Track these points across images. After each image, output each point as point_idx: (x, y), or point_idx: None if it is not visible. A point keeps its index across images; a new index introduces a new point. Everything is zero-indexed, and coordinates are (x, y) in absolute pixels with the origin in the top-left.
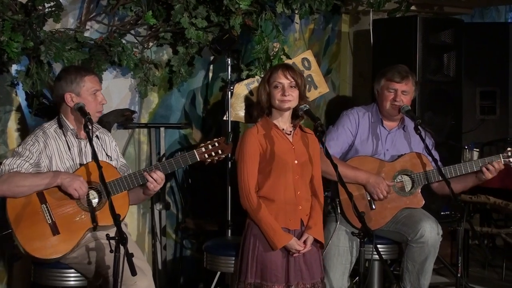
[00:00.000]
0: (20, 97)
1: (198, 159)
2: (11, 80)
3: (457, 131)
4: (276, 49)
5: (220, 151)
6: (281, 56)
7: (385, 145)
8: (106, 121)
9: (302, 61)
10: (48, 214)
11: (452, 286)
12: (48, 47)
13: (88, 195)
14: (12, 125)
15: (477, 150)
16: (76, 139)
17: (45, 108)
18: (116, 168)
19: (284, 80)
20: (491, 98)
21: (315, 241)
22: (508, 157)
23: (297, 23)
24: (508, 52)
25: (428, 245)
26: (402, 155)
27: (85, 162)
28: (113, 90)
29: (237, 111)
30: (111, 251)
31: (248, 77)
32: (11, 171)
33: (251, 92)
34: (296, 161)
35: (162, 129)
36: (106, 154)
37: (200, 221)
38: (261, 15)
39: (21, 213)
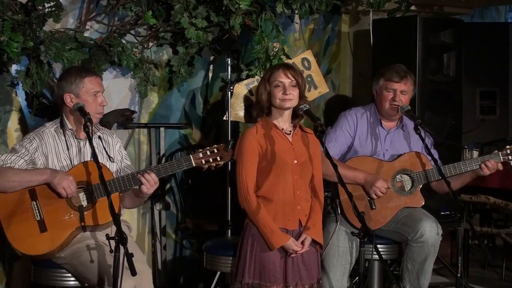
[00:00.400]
0: (20, 97)
1: (194, 165)
2: (11, 80)
3: (457, 131)
4: (276, 49)
5: (218, 158)
6: (281, 56)
7: (384, 145)
8: (106, 121)
9: (302, 61)
10: (37, 211)
11: (452, 286)
12: (48, 47)
13: (78, 194)
14: (12, 125)
15: (477, 150)
16: (75, 139)
17: (45, 108)
18: (112, 170)
19: (285, 79)
20: (491, 98)
21: (314, 242)
22: (507, 154)
23: (297, 23)
24: (508, 52)
25: (428, 245)
26: (401, 154)
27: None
28: (113, 90)
29: (237, 111)
30: (111, 251)
31: (248, 77)
32: (5, 166)
33: (251, 92)
34: (295, 161)
35: (162, 129)
36: (108, 156)
37: (200, 221)
38: (261, 15)
39: (11, 208)
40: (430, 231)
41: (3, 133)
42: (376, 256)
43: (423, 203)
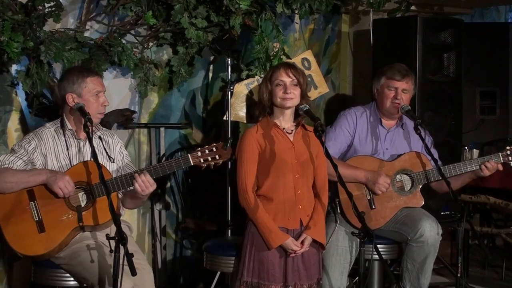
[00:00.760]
0: (20, 97)
1: (192, 164)
2: (11, 80)
3: (457, 131)
4: (276, 49)
5: (217, 156)
6: (281, 56)
7: (384, 144)
8: (106, 121)
9: (302, 61)
10: (35, 211)
11: (452, 286)
12: (48, 47)
13: (76, 194)
14: (12, 125)
15: (477, 149)
16: (74, 140)
17: (45, 108)
18: (111, 170)
19: (286, 78)
20: (491, 98)
21: (315, 242)
22: (508, 155)
23: (297, 23)
24: (508, 52)
25: (428, 244)
26: (401, 154)
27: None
28: (113, 90)
29: (237, 111)
30: (111, 251)
31: (248, 77)
32: (3, 166)
33: (251, 92)
34: (296, 160)
35: (162, 129)
36: (108, 156)
37: (200, 221)
38: (261, 15)
39: (9, 209)
40: (430, 230)
41: (3, 133)
42: (376, 256)
43: (423, 203)
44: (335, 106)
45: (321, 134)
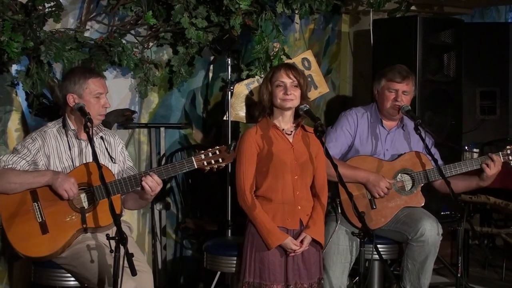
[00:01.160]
0: (20, 97)
1: (196, 167)
2: (11, 80)
3: (457, 131)
4: (276, 49)
5: (220, 160)
6: (281, 56)
7: (384, 145)
8: (106, 121)
9: (302, 61)
10: (39, 212)
11: (452, 286)
12: (48, 47)
13: (79, 196)
14: (12, 125)
15: (477, 151)
16: (76, 140)
17: (45, 108)
18: (114, 171)
19: (286, 79)
20: (491, 98)
21: (315, 241)
22: (508, 154)
23: (297, 23)
24: (508, 52)
25: (429, 244)
26: (401, 154)
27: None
28: (113, 90)
29: (237, 111)
30: (111, 251)
31: (248, 77)
32: (6, 167)
33: (251, 92)
34: (295, 161)
35: (162, 129)
36: (110, 157)
37: (200, 221)
38: (261, 15)
39: (13, 210)
40: (431, 230)
41: (3, 133)
42: (376, 256)
43: (424, 203)
44: (335, 106)
45: (322, 135)
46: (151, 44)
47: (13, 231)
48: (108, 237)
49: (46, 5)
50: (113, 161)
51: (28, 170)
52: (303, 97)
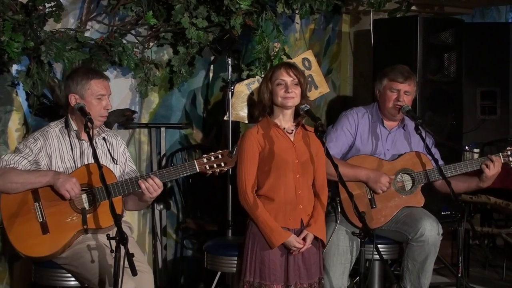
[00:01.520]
0: (20, 97)
1: (198, 170)
2: (11, 80)
3: (458, 131)
4: (277, 49)
5: (222, 164)
6: (282, 56)
7: (385, 145)
8: (107, 121)
9: (302, 61)
10: (40, 212)
11: (453, 286)
12: (49, 47)
13: (81, 196)
14: (13, 125)
15: (477, 151)
16: (78, 141)
17: (46, 108)
18: (114, 173)
19: (287, 77)
20: (491, 98)
21: (316, 240)
22: (508, 156)
23: (297, 23)
24: (508, 52)
25: (429, 244)
26: (402, 154)
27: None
28: (114, 90)
29: (237, 111)
30: (111, 251)
31: (248, 77)
32: (8, 166)
33: (251, 92)
34: (296, 160)
35: (162, 129)
36: (112, 158)
37: (200, 221)
38: (262, 15)
39: (14, 209)
40: (431, 230)
41: (3, 133)
42: (377, 256)
43: (424, 203)
44: (336, 107)
45: (322, 135)
46: (151, 44)
47: (14, 230)
48: (109, 237)
49: (47, 5)
50: (115, 162)
51: (29, 170)
52: (303, 96)
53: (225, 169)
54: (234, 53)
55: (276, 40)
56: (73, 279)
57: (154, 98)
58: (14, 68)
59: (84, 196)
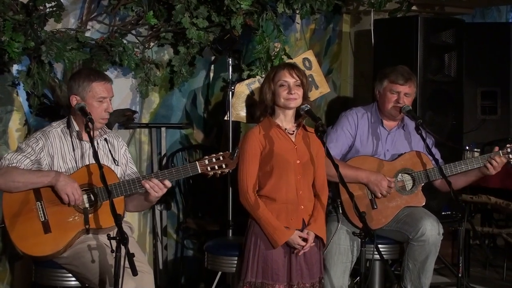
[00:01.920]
0: (21, 97)
1: (200, 171)
2: (12, 80)
3: (458, 131)
4: (277, 49)
5: (224, 165)
6: (282, 56)
7: (385, 145)
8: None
9: (303, 61)
10: (42, 211)
11: (453, 286)
12: (49, 47)
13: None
14: (13, 125)
15: (478, 151)
16: (80, 141)
17: (46, 108)
18: (116, 174)
19: (290, 78)
20: (492, 98)
21: (317, 238)
22: (508, 153)
23: (298, 23)
24: (509, 52)
25: (429, 244)
26: (402, 154)
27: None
28: (114, 90)
29: (238, 111)
30: (112, 251)
31: (249, 77)
32: (11, 165)
33: (252, 92)
34: (298, 161)
35: (163, 129)
36: (113, 159)
37: (201, 221)
38: (262, 15)
39: (16, 208)
40: (431, 230)
41: (4, 133)
42: (377, 256)
43: (424, 203)
44: (336, 107)
45: (322, 135)
46: (152, 44)
47: (16, 229)
48: (109, 237)
49: (47, 5)
50: (116, 163)
51: (32, 170)
52: (305, 97)
53: (226, 170)
54: (235, 53)
55: (277, 40)
56: (73, 279)
57: (154, 98)
58: (15, 68)
59: (86, 196)
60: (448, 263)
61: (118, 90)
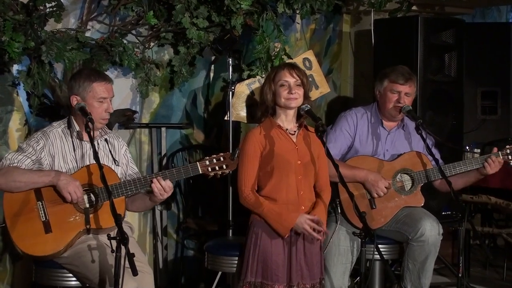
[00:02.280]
0: (21, 97)
1: (200, 172)
2: (12, 80)
3: (458, 131)
4: (277, 49)
5: (224, 166)
6: (282, 56)
7: (385, 145)
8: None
9: (303, 61)
10: (42, 211)
11: (453, 286)
12: (49, 47)
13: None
14: (13, 125)
15: (478, 151)
16: (80, 141)
17: (47, 108)
18: (117, 174)
19: (290, 78)
20: (492, 98)
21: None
22: (507, 154)
23: (298, 23)
24: (509, 52)
25: (429, 244)
26: (401, 154)
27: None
28: (114, 90)
29: (238, 111)
30: (112, 251)
31: (249, 77)
32: (12, 165)
33: (252, 92)
34: (299, 162)
35: (163, 129)
36: (113, 159)
37: (201, 221)
38: (262, 15)
39: (17, 208)
40: (431, 230)
41: (4, 133)
42: (377, 256)
43: (423, 203)
44: (337, 107)
45: (322, 134)
46: (152, 44)
47: (16, 229)
48: (109, 237)
49: (47, 5)
50: (116, 163)
51: (33, 169)
52: (305, 97)
53: (227, 171)
54: (235, 53)
55: (277, 40)
56: (73, 279)
57: (154, 98)
58: (15, 68)
59: (86, 197)
60: (448, 263)
61: (118, 90)
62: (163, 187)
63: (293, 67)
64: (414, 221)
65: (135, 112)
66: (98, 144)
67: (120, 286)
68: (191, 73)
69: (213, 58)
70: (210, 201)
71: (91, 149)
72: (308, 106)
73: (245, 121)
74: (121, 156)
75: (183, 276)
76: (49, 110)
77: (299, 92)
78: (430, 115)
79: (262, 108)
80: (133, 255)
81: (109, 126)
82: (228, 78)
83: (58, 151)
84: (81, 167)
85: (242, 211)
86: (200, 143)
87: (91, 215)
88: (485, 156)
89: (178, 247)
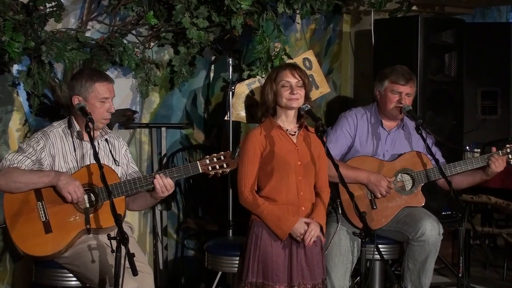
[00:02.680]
0: (21, 97)
1: (201, 171)
2: (12, 80)
3: (458, 131)
4: (277, 49)
5: (225, 165)
6: (282, 56)
7: (385, 145)
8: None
9: (303, 61)
10: (42, 211)
11: (453, 286)
12: (49, 47)
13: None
14: (13, 125)
15: (478, 151)
16: (81, 141)
17: (47, 108)
18: (117, 173)
19: (292, 79)
20: (492, 98)
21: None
22: (508, 153)
23: (298, 23)
24: (509, 52)
25: (429, 244)
26: (402, 154)
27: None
28: (115, 90)
29: (238, 111)
30: (112, 251)
31: (249, 77)
32: (12, 166)
33: (252, 92)
34: (299, 162)
35: (163, 129)
36: (114, 159)
37: (201, 221)
38: (262, 15)
39: (17, 208)
40: (431, 230)
41: (4, 133)
42: (378, 256)
43: (424, 203)
44: (336, 107)
45: (323, 134)
46: (152, 44)
47: (17, 230)
48: (110, 237)
49: (47, 5)
50: (117, 163)
51: (33, 170)
52: (306, 97)
53: (227, 170)
54: (235, 53)
55: (277, 40)
56: (73, 279)
57: (154, 98)
58: (15, 68)
59: (87, 196)
60: (448, 263)
61: (119, 90)
62: (165, 184)
63: (294, 67)
64: (415, 221)
65: (135, 112)
66: (98, 144)
67: (120, 286)
68: (191, 73)
69: (213, 58)
70: (210, 201)
71: (91, 149)
72: (308, 106)
73: (245, 121)
74: (121, 156)
75: (183, 276)
76: (49, 110)
77: (301, 92)
78: (430, 115)
79: (262, 108)
80: (133, 255)
81: (109, 126)
82: (228, 78)
83: (59, 151)
84: (81, 167)
85: (242, 211)
86: (200, 143)
87: (91, 215)
88: (486, 156)
89: (178, 247)
